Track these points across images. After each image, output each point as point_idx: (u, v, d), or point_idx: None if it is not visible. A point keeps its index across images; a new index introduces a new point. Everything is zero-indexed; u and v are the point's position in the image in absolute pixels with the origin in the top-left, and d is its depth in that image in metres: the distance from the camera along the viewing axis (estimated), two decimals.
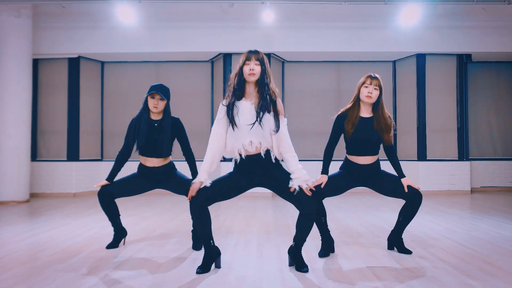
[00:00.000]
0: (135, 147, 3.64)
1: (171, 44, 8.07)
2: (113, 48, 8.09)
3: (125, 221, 5.08)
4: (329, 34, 8.12)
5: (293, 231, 4.46)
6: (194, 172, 3.62)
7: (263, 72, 2.91)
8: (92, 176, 8.47)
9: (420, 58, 8.36)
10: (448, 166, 8.26)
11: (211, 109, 8.75)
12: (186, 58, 8.60)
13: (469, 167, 8.30)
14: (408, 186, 3.41)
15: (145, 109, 3.57)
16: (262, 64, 2.91)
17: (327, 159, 3.47)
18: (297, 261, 3.02)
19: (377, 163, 3.50)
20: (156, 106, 3.49)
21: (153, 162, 3.58)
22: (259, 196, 7.87)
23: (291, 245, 3.07)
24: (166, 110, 3.55)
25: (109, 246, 3.66)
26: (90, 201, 7.30)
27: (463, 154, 8.38)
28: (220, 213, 5.89)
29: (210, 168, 2.94)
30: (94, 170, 8.54)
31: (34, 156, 8.20)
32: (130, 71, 8.86)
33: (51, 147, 8.29)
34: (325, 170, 3.45)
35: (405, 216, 3.50)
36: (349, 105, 3.49)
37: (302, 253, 3.09)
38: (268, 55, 8.26)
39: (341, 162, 3.61)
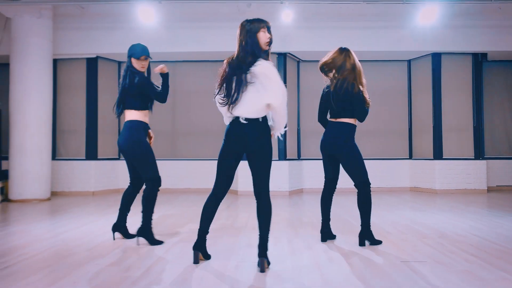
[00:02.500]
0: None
1: (188, 43, 8.14)
2: None
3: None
4: (344, 34, 8.15)
5: (319, 227, 4.53)
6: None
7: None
8: (109, 175, 8.57)
9: (436, 57, 8.37)
10: (464, 165, 8.27)
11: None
12: (202, 58, 8.67)
13: (485, 166, 8.31)
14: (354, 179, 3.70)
15: (133, 70, 3.76)
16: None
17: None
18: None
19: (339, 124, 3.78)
20: (144, 67, 3.77)
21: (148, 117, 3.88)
22: (276, 194, 7.93)
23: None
24: (149, 68, 3.92)
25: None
26: (110, 199, 7.39)
27: (479, 153, 8.39)
28: (240, 211, 5.95)
29: None
30: (112, 169, 8.64)
31: (54, 155, 8.29)
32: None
33: (70, 146, 8.39)
34: None
35: (360, 209, 3.71)
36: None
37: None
38: (284, 55, 8.31)
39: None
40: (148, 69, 3.87)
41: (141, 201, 3.73)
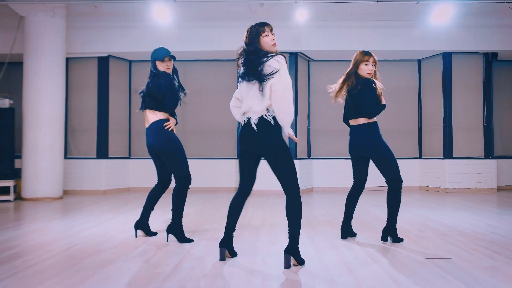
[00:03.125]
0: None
1: (199, 43, 8.17)
2: (142, 47, 8.20)
3: (164, 218, 5.18)
4: (355, 33, 8.18)
5: (336, 225, 4.55)
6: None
7: None
8: (120, 174, 8.60)
9: (446, 57, 8.39)
10: (474, 164, 8.28)
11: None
12: (213, 57, 8.70)
13: (495, 165, 8.32)
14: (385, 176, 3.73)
15: (156, 71, 3.83)
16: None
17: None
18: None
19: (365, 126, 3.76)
20: (169, 67, 3.82)
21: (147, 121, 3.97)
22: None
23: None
24: (175, 69, 3.91)
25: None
26: (121, 198, 7.42)
27: (489, 152, 8.41)
28: (255, 209, 5.97)
29: None
30: (122, 168, 8.67)
31: (65, 153, 8.32)
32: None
33: (81, 144, 8.42)
34: None
35: (389, 206, 3.77)
36: (342, 80, 3.82)
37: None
38: (295, 54, 8.33)
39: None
40: (174, 70, 3.89)
41: (171, 199, 3.77)
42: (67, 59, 8.35)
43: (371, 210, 5.82)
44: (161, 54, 3.80)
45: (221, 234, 4.04)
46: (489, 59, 8.56)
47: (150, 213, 4.00)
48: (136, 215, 5.32)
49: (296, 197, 2.94)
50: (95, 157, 8.33)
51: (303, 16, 7.05)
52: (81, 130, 8.43)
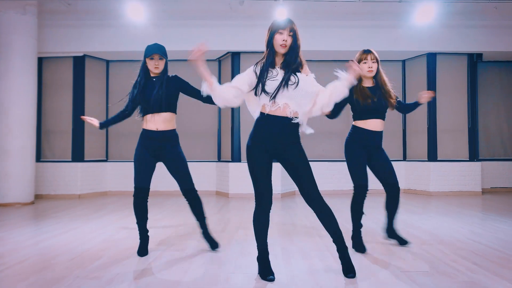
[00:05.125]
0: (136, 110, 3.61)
1: (178, 42, 7.91)
2: (119, 47, 7.94)
3: (136, 225, 4.93)
4: (338, 33, 8.00)
5: (314, 232, 4.36)
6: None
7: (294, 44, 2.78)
8: (97, 177, 8.32)
9: (431, 58, 8.25)
10: (459, 166, 8.15)
11: (218, 109, 8.60)
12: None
13: (479, 168, 8.20)
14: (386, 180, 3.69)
15: (145, 71, 3.51)
16: (294, 35, 2.78)
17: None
18: (343, 265, 2.86)
19: (381, 134, 3.66)
20: (157, 66, 3.44)
21: (156, 123, 3.44)
22: None
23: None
24: (165, 69, 3.50)
25: (140, 254, 3.45)
26: (96, 203, 7.14)
27: (474, 155, 8.28)
28: (232, 215, 5.75)
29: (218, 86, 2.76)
30: (99, 171, 8.38)
31: (38, 156, 8.03)
32: (135, 70, 8.68)
33: (56, 147, 8.13)
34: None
35: (389, 211, 3.77)
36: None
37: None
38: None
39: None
40: (165, 71, 3.49)
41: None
42: (41, 59, 8.06)
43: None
44: (148, 49, 3.45)
45: (185, 243, 3.82)
46: (474, 60, 8.44)
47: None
48: (106, 222, 5.07)
49: (324, 202, 2.80)
50: (70, 160, 8.03)
51: (283, 15, 6.83)
52: (55, 132, 8.13)
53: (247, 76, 2.80)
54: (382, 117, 3.61)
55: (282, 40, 2.73)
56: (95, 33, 7.89)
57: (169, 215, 5.72)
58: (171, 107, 3.49)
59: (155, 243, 3.95)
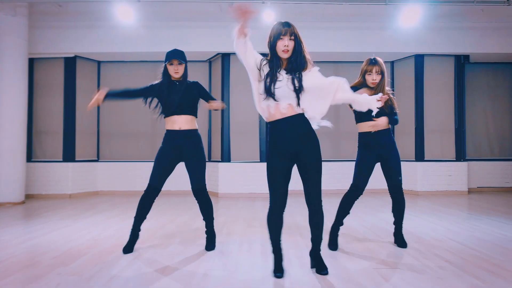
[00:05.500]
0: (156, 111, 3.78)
1: (169, 43, 7.97)
2: (110, 48, 8.02)
3: (124, 223, 5.04)
4: (327, 35, 8.10)
5: (297, 231, 4.46)
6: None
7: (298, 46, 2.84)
8: (88, 177, 8.40)
9: (419, 59, 8.37)
10: (445, 166, 8.27)
11: (209, 110, 8.66)
12: None
13: (466, 168, 8.32)
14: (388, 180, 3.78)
15: (166, 75, 3.66)
16: (296, 38, 2.85)
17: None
18: (315, 263, 2.99)
19: (389, 132, 3.79)
20: (177, 71, 3.60)
21: (179, 123, 3.62)
22: (258, 196, 7.85)
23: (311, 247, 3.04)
24: (185, 73, 3.68)
25: (125, 251, 3.58)
26: (87, 202, 7.22)
27: (461, 155, 8.41)
28: (220, 214, 5.84)
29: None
30: (90, 171, 8.46)
31: (30, 156, 8.10)
32: (127, 71, 8.79)
33: (47, 147, 8.20)
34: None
35: (395, 214, 3.85)
36: (357, 83, 3.79)
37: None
38: (267, 55, 8.20)
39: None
40: (185, 75, 3.67)
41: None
42: (32, 60, 8.13)
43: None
44: (167, 54, 3.61)
45: (169, 241, 3.92)
46: (462, 61, 8.56)
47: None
48: (94, 222, 5.16)
49: (321, 209, 2.93)
50: (61, 160, 8.11)
51: (270, 17, 6.93)
52: (47, 133, 8.20)
53: (255, 59, 2.86)
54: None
55: (283, 46, 2.80)
56: (85, 34, 7.97)
57: (157, 214, 5.81)
58: (193, 111, 3.69)
59: (139, 241, 4.04)
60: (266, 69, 2.86)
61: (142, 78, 8.70)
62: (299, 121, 2.83)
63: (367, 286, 2.69)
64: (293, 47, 2.83)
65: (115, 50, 8.06)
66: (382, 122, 3.64)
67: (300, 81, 2.80)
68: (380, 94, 3.07)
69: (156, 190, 3.61)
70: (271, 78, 2.81)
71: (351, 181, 3.79)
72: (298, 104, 2.82)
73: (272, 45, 2.84)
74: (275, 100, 2.81)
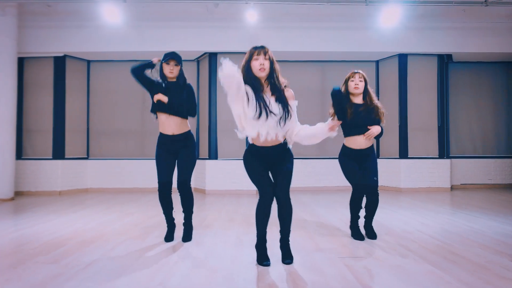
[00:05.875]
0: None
1: (157, 43, 8.14)
2: (99, 47, 8.15)
3: (108, 217, 5.19)
4: (313, 34, 8.26)
5: (276, 226, 4.61)
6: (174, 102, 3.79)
7: (271, 67, 3.01)
8: (77, 175, 8.53)
9: (402, 58, 8.55)
10: (428, 163, 8.45)
11: (197, 107, 8.82)
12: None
13: (449, 165, 8.51)
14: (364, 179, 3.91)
15: (162, 75, 3.84)
16: (270, 59, 3.01)
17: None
18: (282, 252, 3.16)
19: (371, 148, 4.00)
20: (171, 71, 3.77)
21: (172, 127, 3.78)
22: (244, 193, 8.00)
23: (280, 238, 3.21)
24: (181, 75, 3.83)
25: (167, 239, 3.84)
26: (76, 198, 7.36)
27: (444, 152, 8.58)
28: (204, 209, 6.00)
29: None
30: (80, 169, 8.60)
31: (20, 154, 8.23)
32: (116, 70, 8.93)
33: (37, 145, 8.32)
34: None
35: (366, 210, 4.06)
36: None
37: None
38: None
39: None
40: (181, 76, 3.83)
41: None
42: (22, 59, 8.25)
43: (316, 210, 5.90)
44: (165, 55, 3.79)
45: (147, 234, 4.07)
46: (445, 61, 8.74)
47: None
48: (80, 216, 5.30)
49: (289, 201, 3.11)
50: (51, 157, 8.24)
51: (253, 17, 7.09)
52: (36, 131, 8.33)
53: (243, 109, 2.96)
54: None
55: (259, 65, 2.95)
56: (75, 34, 8.10)
57: (142, 209, 5.95)
58: (182, 113, 3.83)
59: (119, 232, 4.19)
60: (249, 91, 2.96)
61: (131, 77, 8.82)
62: (280, 146, 3.07)
63: (328, 273, 2.85)
64: (268, 66, 2.99)
65: (103, 50, 8.20)
66: (376, 130, 3.84)
67: (287, 110, 3.01)
68: (330, 121, 3.27)
69: (167, 184, 3.83)
70: (262, 100, 2.94)
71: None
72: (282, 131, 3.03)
73: (248, 67, 2.99)
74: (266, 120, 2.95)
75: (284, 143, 3.10)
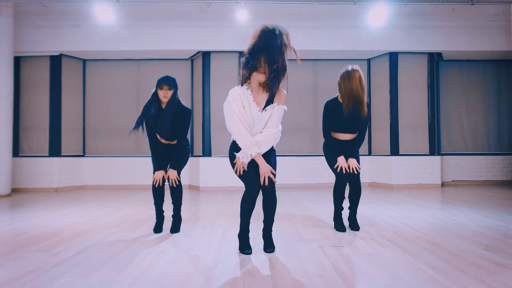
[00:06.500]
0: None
1: (151, 42, 8.28)
2: (94, 46, 8.28)
3: (101, 212, 5.31)
4: (305, 33, 8.39)
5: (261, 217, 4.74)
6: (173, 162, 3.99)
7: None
8: (74, 172, 8.66)
9: (393, 57, 8.67)
10: (419, 160, 8.58)
11: (191, 106, 8.96)
12: (166, 56, 8.81)
13: (439, 162, 8.63)
14: (351, 176, 4.04)
15: (155, 99, 3.93)
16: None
17: (334, 144, 4.04)
18: (264, 241, 3.29)
19: (354, 140, 4.08)
20: (165, 96, 3.88)
21: (163, 140, 4.04)
22: (237, 190, 8.12)
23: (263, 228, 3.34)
24: (173, 99, 3.91)
25: (156, 231, 4.00)
26: (72, 195, 7.49)
27: (434, 149, 8.71)
28: (195, 204, 6.12)
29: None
30: (76, 166, 8.72)
31: (17, 152, 8.36)
32: (111, 69, 9.06)
33: (34, 143, 8.45)
34: (339, 152, 4.01)
35: (350, 200, 4.20)
36: (338, 95, 4.08)
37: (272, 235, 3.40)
38: (241, 52, 8.48)
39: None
40: (173, 99, 3.89)
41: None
42: (19, 58, 8.38)
43: (307, 205, 6.02)
44: (158, 81, 3.89)
45: (138, 226, 4.19)
46: (435, 59, 8.87)
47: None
48: (74, 210, 5.42)
49: (275, 193, 3.24)
50: (47, 155, 8.37)
51: (243, 16, 7.22)
52: (33, 129, 8.46)
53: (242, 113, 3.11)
54: (353, 131, 4.04)
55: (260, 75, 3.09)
56: (70, 33, 8.22)
57: (135, 204, 6.07)
58: (175, 137, 4.01)
59: (111, 225, 4.31)
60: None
61: (126, 76, 9.00)
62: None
63: (306, 259, 2.97)
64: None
65: (99, 49, 8.32)
66: (354, 163, 3.98)
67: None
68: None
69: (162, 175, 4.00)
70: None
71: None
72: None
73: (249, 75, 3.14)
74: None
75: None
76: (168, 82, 3.88)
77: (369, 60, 9.21)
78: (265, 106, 3.15)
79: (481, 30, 8.48)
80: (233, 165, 3.25)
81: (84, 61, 9.02)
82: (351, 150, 4.02)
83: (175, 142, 4.03)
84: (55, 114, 8.42)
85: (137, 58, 8.90)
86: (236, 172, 3.18)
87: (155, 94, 3.92)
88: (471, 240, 3.57)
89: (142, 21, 8.20)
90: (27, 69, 8.49)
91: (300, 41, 8.39)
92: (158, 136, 4.00)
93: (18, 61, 8.39)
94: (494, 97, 9.48)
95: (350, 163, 3.98)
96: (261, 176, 3.10)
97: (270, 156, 3.26)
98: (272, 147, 3.32)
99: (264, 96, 3.17)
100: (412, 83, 8.71)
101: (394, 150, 8.60)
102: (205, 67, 8.51)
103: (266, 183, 3.09)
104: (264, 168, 3.09)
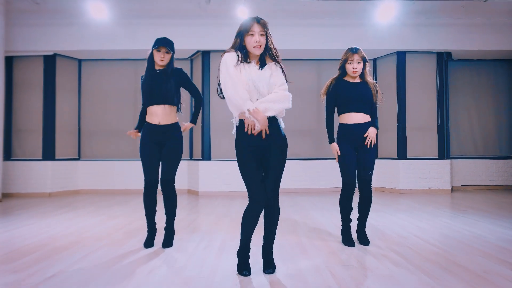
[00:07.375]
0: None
1: (148, 41, 7.84)
2: (89, 45, 7.95)
3: (91, 221, 4.98)
4: (308, 32, 8.04)
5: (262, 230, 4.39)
6: (194, 118, 3.85)
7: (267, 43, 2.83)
8: (68, 176, 8.33)
9: (400, 56, 8.30)
10: (428, 164, 8.20)
11: (190, 106, 8.61)
12: None
13: (449, 166, 8.26)
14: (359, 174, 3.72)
15: (151, 62, 3.62)
16: (267, 34, 2.83)
17: (330, 127, 3.75)
18: (264, 260, 2.94)
19: (368, 124, 3.68)
20: (162, 59, 3.55)
21: (159, 116, 3.58)
22: (237, 195, 7.78)
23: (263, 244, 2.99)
24: (171, 63, 3.62)
25: (146, 245, 3.62)
26: (65, 200, 7.16)
27: (444, 153, 8.33)
28: (194, 211, 5.78)
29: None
30: (71, 170, 8.39)
31: (8, 155, 8.03)
32: (108, 70, 8.73)
33: (26, 146, 8.13)
34: (331, 139, 3.73)
35: (360, 210, 3.81)
36: (336, 76, 3.78)
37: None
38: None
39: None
40: (170, 64, 3.60)
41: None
42: (11, 58, 8.07)
43: (311, 213, 5.67)
44: (156, 42, 3.56)
45: (128, 239, 3.85)
46: (444, 59, 8.49)
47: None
48: (62, 219, 5.09)
49: (278, 203, 2.91)
50: (41, 158, 8.04)
51: (244, 14, 6.88)
52: (26, 131, 8.14)
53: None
54: (364, 110, 3.65)
55: (254, 42, 2.76)
56: (64, 32, 7.89)
57: (127, 212, 5.74)
58: (173, 100, 3.62)
59: (99, 237, 3.97)
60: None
61: (122, 77, 8.67)
62: (270, 120, 2.78)
63: (311, 282, 2.62)
64: (264, 42, 2.82)
65: (94, 48, 7.99)
66: (373, 131, 3.65)
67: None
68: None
69: (153, 182, 3.63)
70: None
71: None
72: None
73: (241, 41, 2.84)
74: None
75: (274, 118, 2.80)
76: (167, 44, 3.56)
77: (375, 60, 8.85)
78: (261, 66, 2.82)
79: (492, 28, 8.10)
80: (239, 161, 2.80)
81: (80, 61, 8.70)
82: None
83: (170, 122, 3.60)
84: (49, 116, 8.09)
85: (134, 58, 8.56)
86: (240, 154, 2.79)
87: (151, 59, 3.59)
88: (495, 258, 3.21)
89: (138, 19, 7.86)
90: (20, 69, 8.17)
91: (302, 40, 8.05)
92: (152, 114, 3.57)
93: (10, 61, 8.07)
94: (506, 98, 9.09)
95: (369, 131, 3.62)
96: (262, 127, 2.70)
97: (277, 139, 2.81)
98: (281, 131, 2.85)
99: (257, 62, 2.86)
100: (420, 84, 8.34)
101: (402, 154, 8.23)
102: (204, 67, 8.17)
103: (263, 136, 2.72)
104: (263, 123, 2.69)
